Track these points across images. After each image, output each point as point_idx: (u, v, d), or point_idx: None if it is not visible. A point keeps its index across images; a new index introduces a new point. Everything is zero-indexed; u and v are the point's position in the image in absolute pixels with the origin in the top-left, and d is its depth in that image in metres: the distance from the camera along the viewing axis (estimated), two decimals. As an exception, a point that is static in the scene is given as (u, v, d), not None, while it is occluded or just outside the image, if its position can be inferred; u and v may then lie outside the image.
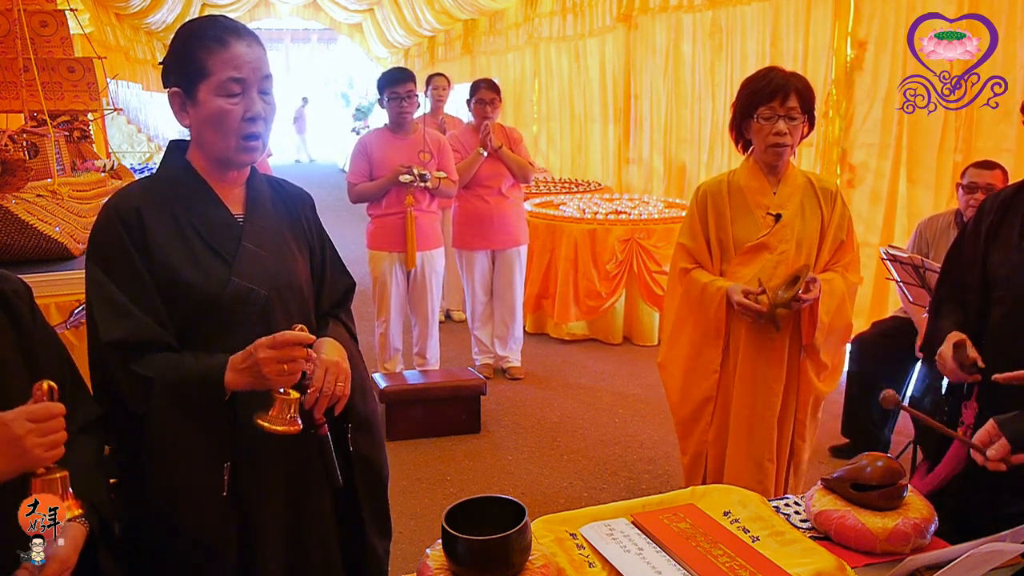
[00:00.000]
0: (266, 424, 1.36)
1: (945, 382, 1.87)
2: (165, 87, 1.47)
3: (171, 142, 1.57)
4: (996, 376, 1.61)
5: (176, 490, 1.39)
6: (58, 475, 1.15)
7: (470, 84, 4.53)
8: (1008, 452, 1.42)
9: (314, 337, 1.36)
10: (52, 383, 1.15)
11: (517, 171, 4.47)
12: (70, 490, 1.17)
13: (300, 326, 1.36)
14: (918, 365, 3.46)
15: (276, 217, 1.57)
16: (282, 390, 1.36)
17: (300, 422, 1.40)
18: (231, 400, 1.39)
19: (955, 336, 1.75)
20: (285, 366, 1.33)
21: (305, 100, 19.56)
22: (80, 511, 1.17)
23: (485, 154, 4.38)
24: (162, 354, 1.38)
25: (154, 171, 1.57)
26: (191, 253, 1.44)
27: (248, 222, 1.51)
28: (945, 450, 1.80)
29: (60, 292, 2.79)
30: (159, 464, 1.39)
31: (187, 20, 1.70)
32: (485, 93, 4.41)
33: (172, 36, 1.50)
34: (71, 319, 2.42)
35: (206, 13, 2.71)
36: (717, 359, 2.47)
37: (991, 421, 1.47)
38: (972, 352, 1.69)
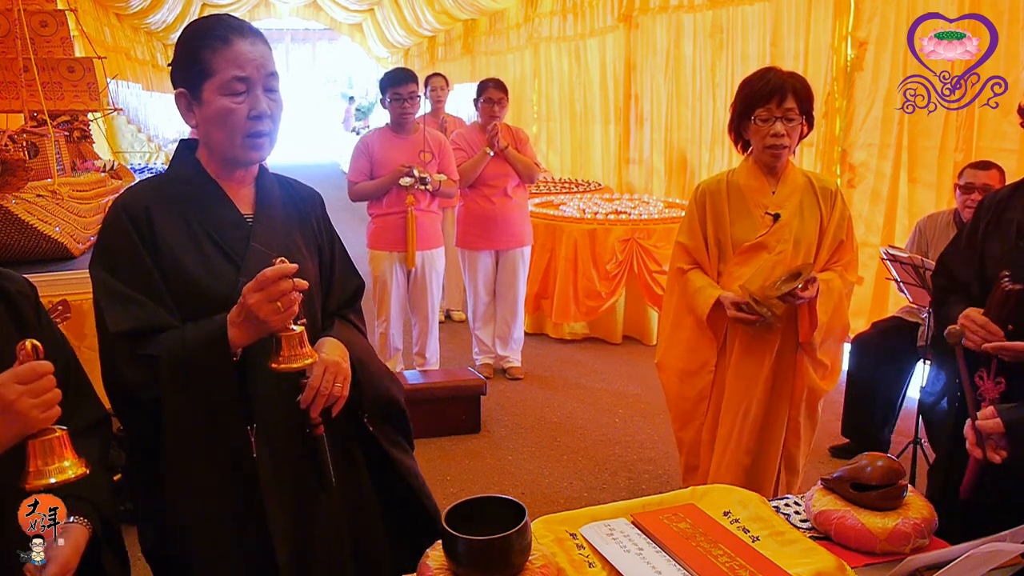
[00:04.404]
0: (280, 366, 1.34)
1: (963, 366, 1.82)
2: (173, 88, 1.48)
3: (181, 141, 1.57)
4: (986, 346, 1.62)
5: (204, 463, 1.37)
6: (56, 434, 1.11)
7: (476, 84, 4.52)
8: (999, 430, 1.46)
9: (296, 267, 1.32)
10: (35, 341, 1.11)
11: (523, 171, 4.47)
12: (70, 446, 1.12)
13: (280, 259, 1.32)
14: (919, 365, 3.46)
15: (285, 217, 1.57)
16: (284, 329, 1.34)
17: (313, 352, 1.38)
18: (241, 374, 1.38)
19: (974, 308, 1.70)
20: (278, 303, 1.31)
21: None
22: (86, 469, 1.13)
23: (491, 154, 4.37)
24: (164, 333, 1.37)
25: (161, 170, 1.57)
26: (200, 253, 1.44)
27: (257, 222, 1.51)
28: (955, 449, 1.79)
29: (60, 292, 2.79)
30: (179, 444, 1.37)
31: (192, 20, 1.70)
32: (493, 92, 4.40)
33: (178, 36, 1.50)
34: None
35: (207, 13, 2.71)
36: (713, 359, 2.49)
37: (991, 408, 1.51)
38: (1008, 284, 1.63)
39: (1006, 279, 1.62)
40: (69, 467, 1.10)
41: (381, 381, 1.63)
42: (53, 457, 1.10)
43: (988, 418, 1.48)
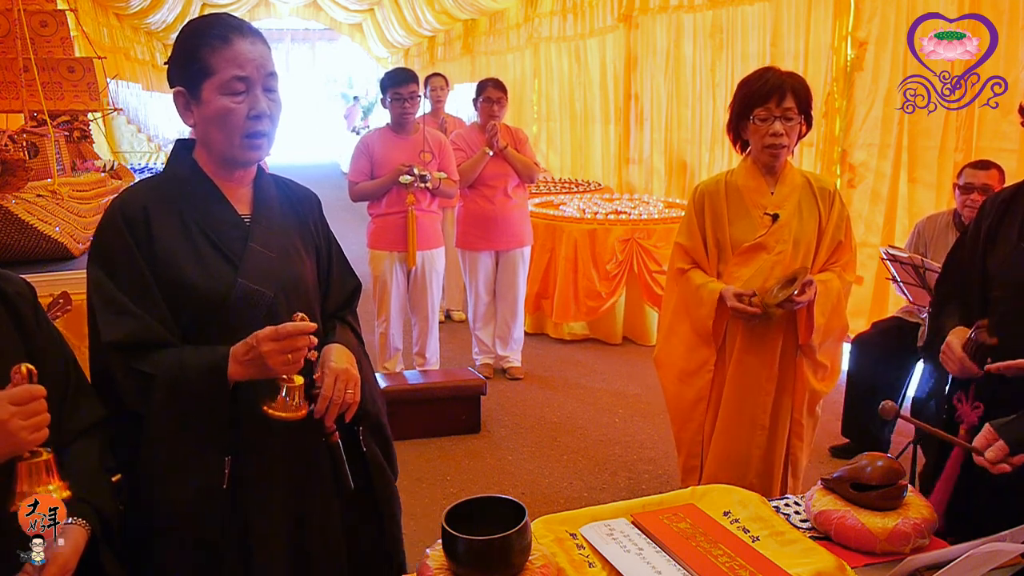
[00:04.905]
0: (273, 412, 1.36)
1: (949, 381, 1.85)
2: (170, 87, 1.47)
3: (177, 141, 1.56)
4: (989, 367, 1.62)
5: (178, 486, 1.38)
6: (43, 458, 1.15)
7: (475, 84, 4.52)
8: (1006, 454, 1.42)
9: (316, 325, 1.36)
10: (30, 366, 1.15)
11: (522, 171, 4.47)
12: (56, 471, 1.16)
13: (301, 315, 1.35)
14: (919, 365, 3.47)
15: (283, 218, 1.57)
16: (286, 376, 1.37)
17: (307, 406, 1.40)
18: (232, 392, 1.39)
19: (960, 330, 1.74)
20: (289, 356, 1.33)
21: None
22: (68, 492, 1.17)
23: (491, 154, 4.37)
24: (162, 350, 1.38)
25: (160, 170, 1.57)
26: (197, 254, 1.43)
27: (255, 223, 1.51)
28: (947, 453, 1.79)
29: (52, 293, 2.79)
30: (160, 461, 1.38)
31: (190, 19, 1.70)
32: (492, 92, 4.39)
33: (176, 35, 1.50)
34: (47, 313, 2.42)
35: (207, 12, 2.70)
36: (712, 359, 2.48)
37: (987, 426, 1.48)
38: (983, 336, 1.64)
39: (982, 329, 1.63)
40: (54, 491, 1.15)
41: (374, 400, 1.62)
42: (39, 482, 1.15)
43: (989, 442, 1.45)
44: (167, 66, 1.48)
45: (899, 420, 3.74)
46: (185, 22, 1.98)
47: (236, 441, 1.42)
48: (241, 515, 1.45)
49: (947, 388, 1.86)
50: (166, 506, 1.39)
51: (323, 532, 1.56)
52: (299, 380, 1.38)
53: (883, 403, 1.53)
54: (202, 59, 1.40)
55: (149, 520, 1.40)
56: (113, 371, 1.37)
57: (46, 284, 2.76)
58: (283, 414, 1.37)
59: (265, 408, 1.36)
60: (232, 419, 1.40)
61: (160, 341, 1.38)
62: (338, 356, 1.50)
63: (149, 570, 1.42)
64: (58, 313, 2.42)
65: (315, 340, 1.38)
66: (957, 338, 1.71)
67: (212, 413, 1.37)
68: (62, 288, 2.80)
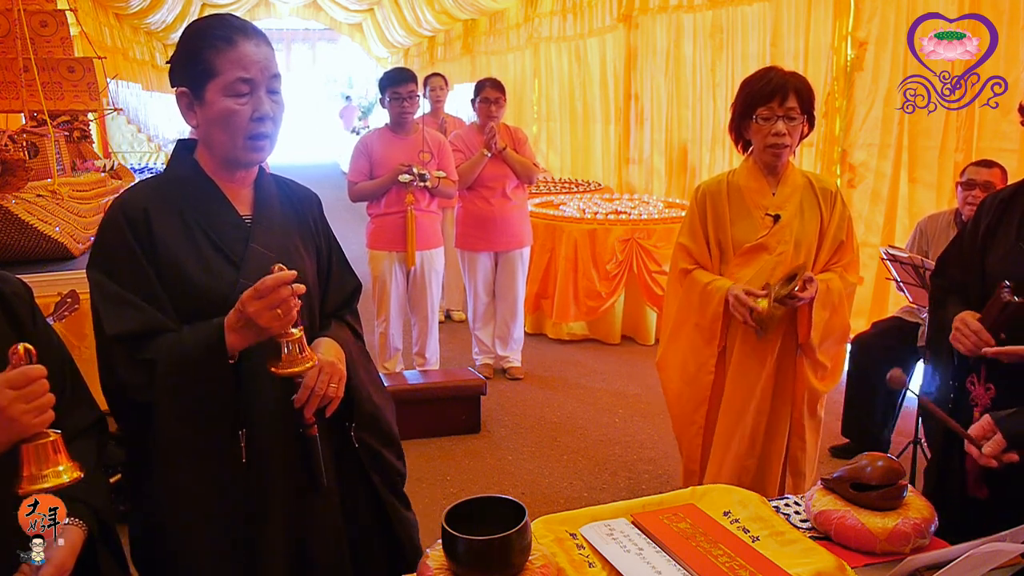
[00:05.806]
0: (282, 370, 1.35)
1: (956, 364, 1.82)
2: (172, 87, 1.47)
3: (179, 141, 1.56)
4: (986, 350, 1.61)
5: (192, 469, 1.38)
6: (50, 439, 1.10)
7: (474, 84, 4.52)
8: (1002, 448, 1.42)
9: (295, 273, 1.33)
10: (28, 345, 1.10)
11: (521, 172, 4.46)
12: (64, 451, 1.12)
13: (278, 265, 1.33)
14: (919, 364, 3.46)
15: (284, 218, 1.57)
16: (283, 332, 1.35)
17: (313, 355, 1.39)
18: (236, 371, 1.38)
19: (969, 312, 1.70)
20: (278, 310, 1.31)
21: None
22: (80, 472, 1.13)
23: (489, 155, 4.37)
24: (160, 336, 1.37)
25: (161, 171, 1.57)
26: (198, 254, 1.43)
27: (256, 223, 1.51)
28: (950, 446, 1.78)
29: (60, 292, 2.79)
30: (173, 445, 1.37)
31: (194, 19, 1.70)
32: (490, 92, 4.39)
33: (180, 35, 1.50)
34: (55, 312, 2.42)
35: (208, 13, 2.70)
36: (713, 360, 2.46)
37: (987, 416, 1.47)
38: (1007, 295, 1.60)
39: (1007, 290, 1.60)
40: (64, 471, 1.10)
41: (370, 396, 1.61)
42: (47, 462, 1.10)
43: (986, 433, 1.45)
44: (170, 66, 1.48)
45: (899, 419, 3.75)
46: (185, 22, 1.98)
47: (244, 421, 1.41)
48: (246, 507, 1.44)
49: (954, 373, 1.83)
50: (182, 493, 1.38)
51: (324, 531, 1.56)
52: (297, 332, 1.36)
53: (891, 372, 1.50)
54: (206, 60, 1.40)
55: (160, 516, 1.40)
56: (118, 366, 1.36)
57: (46, 284, 2.76)
58: (290, 370, 1.35)
59: (272, 369, 1.35)
60: (239, 396, 1.39)
61: (163, 331, 1.38)
62: (326, 348, 1.50)
63: (157, 565, 1.42)
64: (66, 312, 2.42)
65: (301, 288, 1.35)
66: (971, 314, 1.68)
67: (217, 387, 1.36)
68: (62, 288, 2.80)
